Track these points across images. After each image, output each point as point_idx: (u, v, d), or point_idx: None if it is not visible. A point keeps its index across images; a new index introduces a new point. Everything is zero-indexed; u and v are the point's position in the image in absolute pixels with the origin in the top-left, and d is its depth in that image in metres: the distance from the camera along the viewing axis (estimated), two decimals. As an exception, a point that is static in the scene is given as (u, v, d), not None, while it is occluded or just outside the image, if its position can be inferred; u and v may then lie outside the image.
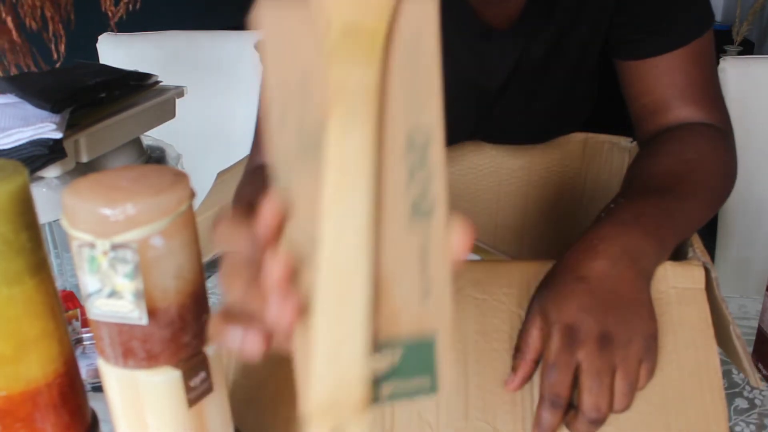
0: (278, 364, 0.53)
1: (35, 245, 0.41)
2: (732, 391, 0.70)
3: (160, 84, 1.10)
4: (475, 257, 0.88)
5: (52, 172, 0.91)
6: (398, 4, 0.30)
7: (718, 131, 0.72)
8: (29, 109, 0.94)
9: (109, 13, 1.57)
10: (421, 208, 0.31)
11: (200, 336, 0.40)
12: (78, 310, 0.82)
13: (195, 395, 0.40)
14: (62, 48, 1.52)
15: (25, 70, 1.50)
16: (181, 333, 0.39)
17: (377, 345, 0.31)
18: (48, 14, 1.46)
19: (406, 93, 0.30)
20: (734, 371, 0.71)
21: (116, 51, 1.54)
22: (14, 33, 1.39)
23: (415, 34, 0.30)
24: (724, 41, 2.83)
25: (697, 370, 0.55)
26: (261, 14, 0.29)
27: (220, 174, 1.03)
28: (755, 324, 0.75)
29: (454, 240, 0.31)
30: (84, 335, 0.79)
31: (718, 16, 3.22)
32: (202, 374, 0.41)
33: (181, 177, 0.38)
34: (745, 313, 0.85)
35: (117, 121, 0.99)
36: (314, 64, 0.29)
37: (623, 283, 0.56)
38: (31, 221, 0.41)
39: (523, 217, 0.92)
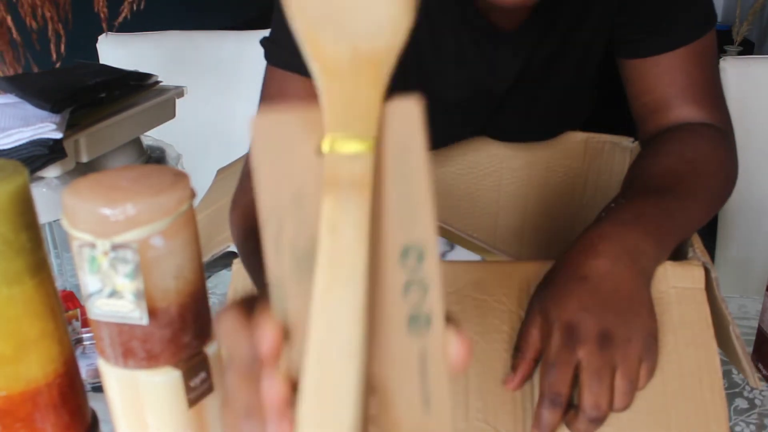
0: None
1: (35, 245, 0.41)
2: (732, 391, 0.70)
3: (160, 84, 1.10)
4: (475, 257, 0.88)
5: (52, 172, 0.91)
6: (383, 118, 0.30)
7: (719, 132, 0.72)
8: (29, 109, 0.94)
9: (102, 14, 1.57)
10: (418, 320, 0.31)
11: (200, 336, 0.40)
12: (78, 310, 0.82)
13: (195, 395, 0.40)
14: (62, 48, 1.52)
15: (25, 70, 1.50)
16: (182, 333, 0.39)
17: None
18: (48, 14, 1.46)
19: (399, 207, 0.30)
20: (734, 371, 0.71)
21: (116, 51, 1.54)
22: (14, 33, 1.39)
23: (402, 148, 0.30)
24: (724, 41, 2.83)
25: (697, 370, 0.55)
26: (254, 126, 0.29)
27: (220, 171, 1.03)
28: (755, 324, 0.75)
29: (452, 351, 0.31)
30: (84, 335, 0.79)
31: (719, 16, 3.22)
32: (202, 374, 0.41)
33: (181, 177, 0.38)
34: (745, 313, 0.85)
35: (117, 121, 0.99)
36: (308, 178, 0.29)
37: (623, 282, 0.56)
38: (31, 221, 0.41)
39: (523, 217, 0.92)
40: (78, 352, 0.78)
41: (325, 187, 0.29)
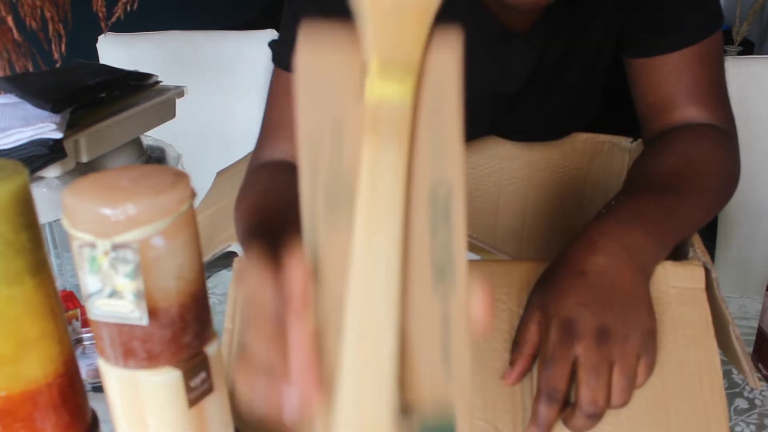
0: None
1: (35, 245, 0.41)
2: (732, 391, 0.70)
3: (160, 84, 1.10)
4: (475, 257, 0.88)
5: (52, 172, 0.91)
6: (428, 45, 0.29)
7: (723, 133, 0.72)
8: (29, 109, 0.94)
9: (100, 14, 1.57)
10: (444, 270, 0.30)
11: (200, 336, 0.40)
12: (78, 310, 0.82)
13: (195, 395, 0.40)
14: (62, 48, 1.52)
15: (25, 70, 1.50)
16: (182, 333, 0.39)
17: (400, 412, 0.31)
18: (48, 14, 1.46)
19: (432, 142, 0.30)
20: (734, 371, 0.71)
21: (116, 51, 1.54)
22: (15, 32, 1.39)
23: (440, 80, 0.30)
24: (724, 41, 2.83)
25: (697, 370, 0.55)
26: (297, 58, 0.29)
27: (220, 173, 1.03)
28: (755, 324, 0.75)
29: (474, 309, 0.31)
30: (84, 335, 0.79)
31: (718, 16, 3.21)
32: (203, 374, 0.41)
33: (181, 177, 0.38)
34: (745, 313, 0.85)
35: (117, 121, 0.99)
36: (349, 111, 0.29)
37: (622, 279, 0.56)
38: (31, 221, 0.41)
39: (523, 218, 0.92)
40: (78, 352, 0.78)
41: (366, 129, 0.29)
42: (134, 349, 0.38)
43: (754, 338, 0.74)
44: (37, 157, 0.87)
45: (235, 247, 0.78)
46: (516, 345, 0.57)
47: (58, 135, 0.88)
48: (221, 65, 1.55)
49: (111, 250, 0.36)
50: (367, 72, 0.29)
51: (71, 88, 0.96)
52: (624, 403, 0.53)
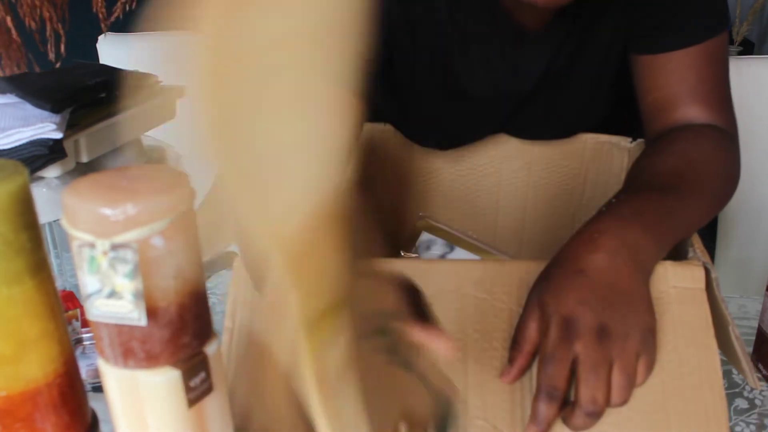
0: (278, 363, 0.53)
1: (35, 245, 0.41)
2: (732, 391, 0.70)
3: (160, 84, 1.10)
4: (475, 258, 0.88)
5: (52, 172, 0.91)
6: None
7: (724, 134, 0.72)
8: (29, 109, 0.93)
9: (100, 15, 1.57)
10: None
11: (200, 336, 0.40)
12: (78, 310, 0.82)
13: (195, 395, 0.40)
14: (61, 48, 1.52)
15: (25, 70, 1.50)
16: (181, 333, 0.39)
17: None
18: (47, 14, 1.46)
19: None
20: (734, 371, 0.71)
21: (116, 51, 1.54)
22: (13, 33, 1.39)
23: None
24: (724, 41, 2.82)
25: (697, 370, 0.55)
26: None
27: (220, 174, 1.03)
28: (755, 324, 0.75)
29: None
30: (84, 335, 0.79)
31: (718, 16, 3.20)
32: (202, 374, 0.41)
33: (181, 177, 0.38)
34: (745, 313, 0.85)
35: (117, 121, 0.99)
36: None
37: (622, 277, 0.56)
38: (31, 221, 0.41)
39: (522, 218, 0.92)
40: (78, 352, 0.78)
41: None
42: (134, 349, 0.38)
43: (754, 338, 0.74)
44: (37, 157, 0.87)
45: (235, 247, 0.78)
46: (515, 343, 0.57)
47: (58, 135, 0.88)
48: (221, 65, 1.55)
49: (110, 250, 0.36)
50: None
51: (71, 88, 0.96)
52: (624, 401, 0.53)
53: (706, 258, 0.60)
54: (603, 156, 0.87)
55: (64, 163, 0.91)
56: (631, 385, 0.53)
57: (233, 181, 0.30)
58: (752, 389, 0.70)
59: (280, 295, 0.31)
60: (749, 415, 0.67)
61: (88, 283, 0.37)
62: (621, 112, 0.84)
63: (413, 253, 0.90)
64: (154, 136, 1.17)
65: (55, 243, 1.03)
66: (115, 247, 0.36)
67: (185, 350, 0.40)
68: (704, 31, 0.72)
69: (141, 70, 1.09)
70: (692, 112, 0.72)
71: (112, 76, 1.03)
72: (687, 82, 0.72)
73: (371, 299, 0.38)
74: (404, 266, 0.62)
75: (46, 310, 0.42)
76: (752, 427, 0.66)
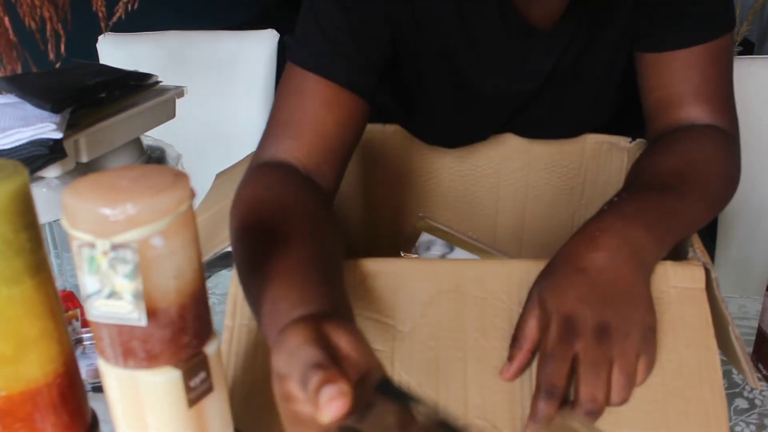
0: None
1: (35, 245, 0.41)
2: (732, 391, 0.70)
3: (160, 84, 1.10)
4: (475, 258, 0.88)
5: (52, 172, 0.91)
6: None
7: (726, 135, 0.72)
8: (29, 109, 0.94)
9: (100, 14, 1.57)
10: None
11: (200, 336, 0.40)
12: (78, 310, 0.82)
13: (195, 395, 0.40)
14: (61, 48, 1.52)
15: (25, 71, 1.50)
16: (181, 333, 0.39)
17: None
18: (47, 14, 1.46)
19: None
20: (734, 371, 0.71)
21: (116, 51, 1.54)
22: (11, 33, 1.39)
23: None
24: (723, 41, 2.81)
25: (697, 370, 0.55)
26: None
27: (219, 175, 1.03)
28: (755, 324, 0.75)
29: None
30: (84, 335, 0.79)
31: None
32: (202, 374, 0.41)
33: (181, 177, 0.38)
34: (745, 313, 0.85)
35: (117, 121, 0.99)
36: None
37: (622, 276, 0.56)
38: (31, 221, 0.41)
39: (522, 218, 0.92)
40: (78, 352, 0.78)
41: None
42: (134, 349, 0.38)
43: (754, 338, 0.74)
44: (37, 157, 0.87)
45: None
46: (515, 341, 0.57)
47: (58, 135, 0.88)
48: (221, 65, 1.55)
49: (110, 250, 0.36)
50: None
51: (71, 88, 0.96)
52: (623, 400, 0.53)
53: (706, 258, 0.60)
54: (603, 156, 0.87)
55: (64, 163, 0.91)
56: (631, 384, 0.53)
57: None
58: (752, 389, 0.70)
59: None
60: (749, 415, 0.67)
61: (88, 283, 0.37)
62: (627, 114, 0.83)
63: (413, 254, 0.90)
64: (154, 136, 1.17)
65: (55, 243, 1.03)
66: (115, 247, 0.36)
67: (185, 350, 0.40)
68: (710, 31, 0.72)
69: (141, 70, 1.09)
70: (695, 111, 0.72)
71: (112, 76, 1.03)
72: (691, 82, 0.73)
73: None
74: (404, 266, 0.62)
75: (46, 310, 0.42)
76: (752, 427, 0.66)
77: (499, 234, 0.93)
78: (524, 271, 0.60)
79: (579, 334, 0.53)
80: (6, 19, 1.38)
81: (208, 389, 0.41)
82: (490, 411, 0.55)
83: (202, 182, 0.77)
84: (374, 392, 0.41)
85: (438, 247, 0.90)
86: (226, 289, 0.65)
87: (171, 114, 1.12)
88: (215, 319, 0.42)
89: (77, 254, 0.37)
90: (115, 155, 1.04)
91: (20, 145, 0.87)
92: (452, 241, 0.90)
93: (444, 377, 0.57)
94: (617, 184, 0.80)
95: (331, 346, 0.43)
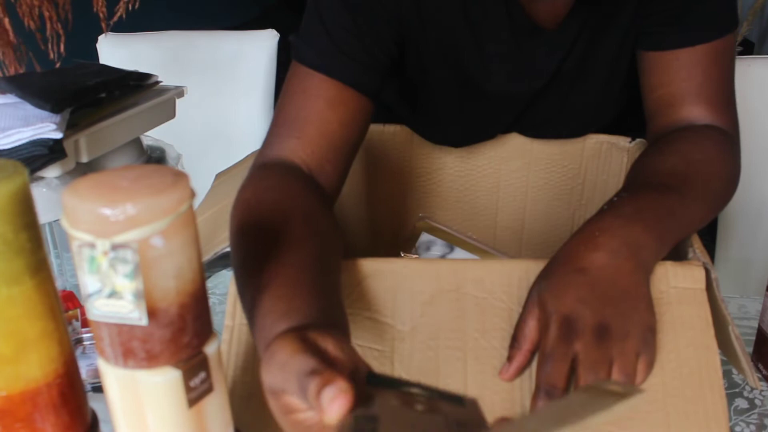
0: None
1: (35, 245, 0.41)
2: (732, 391, 0.70)
3: (160, 84, 1.10)
4: (475, 258, 0.88)
5: (52, 172, 0.91)
6: None
7: (726, 135, 0.72)
8: (29, 109, 0.93)
9: (101, 14, 1.57)
10: None
11: (200, 336, 0.40)
12: (78, 310, 0.82)
13: (195, 395, 0.40)
14: (61, 48, 1.52)
15: (25, 71, 1.50)
16: (182, 333, 0.39)
17: None
18: (47, 14, 1.46)
19: None
20: (734, 371, 0.71)
21: (116, 51, 1.54)
22: (10, 33, 1.39)
23: None
24: (723, 41, 2.81)
25: (697, 370, 0.55)
26: None
27: (219, 175, 1.03)
28: (755, 324, 0.75)
29: None
30: (84, 335, 0.79)
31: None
32: (202, 374, 0.41)
33: (181, 177, 0.38)
34: (745, 313, 0.85)
35: (117, 121, 0.99)
36: None
37: (622, 276, 0.56)
38: (31, 221, 0.41)
39: (522, 218, 0.92)
40: (78, 352, 0.78)
41: None
42: (134, 349, 0.38)
43: (754, 338, 0.74)
44: (37, 157, 0.87)
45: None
46: (514, 341, 0.57)
47: (58, 135, 0.88)
48: (221, 65, 1.55)
49: (110, 250, 0.36)
50: None
51: (71, 88, 0.96)
52: None
53: (706, 258, 0.60)
54: (602, 156, 0.87)
55: (64, 163, 0.91)
56: (630, 384, 0.53)
57: None
58: (752, 389, 0.70)
59: None
60: (749, 415, 0.67)
61: (88, 283, 0.37)
62: (632, 114, 0.83)
63: (413, 254, 0.90)
64: (154, 136, 1.17)
65: (55, 243, 1.03)
66: (115, 247, 0.36)
67: (185, 350, 0.40)
68: (713, 31, 0.72)
69: (141, 70, 1.09)
70: (696, 111, 0.72)
71: (112, 76, 1.03)
72: (693, 81, 0.73)
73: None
74: (404, 266, 0.62)
75: (46, 310, 0.42)
76: (752, 427, 0.66)
77: (499, 234, 0.93)
78: (524, 271, 0.60)
79: (578, 335, 0.53)
80: (6, 20, 1.38)
81: (208, 389, 0.41)
82: (489, 411, 0.55)
83: (202, 182, 0.77)
84: (367, 386, 0.41)
85: (438, 248, 0.90)
86: (226, 289, 0.65)
87: (171, 114, 1.12)
88: (215, 319, 0.42)
89: (77, 254, 0.37)
90: (115, 155, 1.04)
91: (20, 145, 0.87)
92: (452, 242, 0.90)
93: (444, 377, 0.57)
94: (617, 184, 0.80)
95: (320, 351, 0.43)
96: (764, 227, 1.30)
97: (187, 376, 0.40)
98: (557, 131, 0.87)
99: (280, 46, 1.52)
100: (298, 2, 0.76)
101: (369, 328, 0.59)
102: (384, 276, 0.61)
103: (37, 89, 0.96)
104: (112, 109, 1.00)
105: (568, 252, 0.58)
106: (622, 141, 0.86)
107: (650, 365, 0.55)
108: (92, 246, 0.36)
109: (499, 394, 0.56)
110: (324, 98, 0.69)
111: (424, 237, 0.91)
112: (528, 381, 0.56)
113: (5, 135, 0.87)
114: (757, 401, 0.69)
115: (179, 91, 1.11)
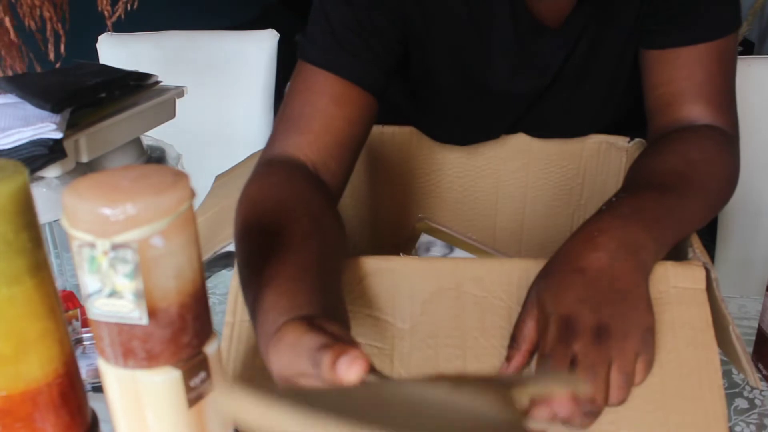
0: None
1: (35, 245, 0.41)
2: (732, 391, 0.70)
3: (160, 84, 1.10)
4: (474, 258, 0.88)
5: (52, 172, 0.91)
6: None
7: (726, 135, 0.72)
8: (29, 109, 0.94)
9: (105, 13, 1.57)
10: None
11: (200, 336, 0.41)
12: (78, 310, 0.82)
13: (195, 395, 0.40)
14: (62, 48, 1.52)
15: (25, 71, 1.50)
16: (182, 333, 0.39)
17: None
18: (47, 14, 1.46)
19: None
20: (734, 371, 0.71)
21: (116, 51, 1.54)
22: (12, 33, 1.39)
23: None
24: (723, 41, 2.81)
25: (697, 370, 0.55)
26: None
27: (219, 177, 1.03)
28: (755, 324, 0.75)
29: None
30: (84, 335, 0.79)
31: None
32: (202, 374, 0.41)
33: (181, 177, 0.38)
34: (745, 313, 0.85)
35: (117, 121, 0.99)
36: None
37: (621, 276, 0.56)
38: (31, 221, 0.41)
39: (521, 219, 0.92)
40: (78, 352, 0.78)
41: None
42: (134, 349, 0.38)
43: (754, 338, 0.74)
44: (37, 157, 0.87)
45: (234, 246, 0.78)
46: (513, 341, 0.57)
47: (58, 135, 0.88)
48: (221, 65, 1.55)
49: (110, 250, 0.36)
50: None
51: (71, 88, 0.96)
52: (622, 400, 0.53)
53: (706, 258, 0.60)
54: (601, 156, 0.87)
55: (64, 163, 0.91)
56: (629, 384, 0.53)
57: None
58: (752, 389, 0.70)
59: None
60: (749, 415, 0.67)
61: (88, 283, 0.37)
62: (635, 114, 0.83)
63: (413, 255, 0.90)
64: (154, 136, 1.17)
65: (55, 243, 1.03)
66: (115, 247, 0.36)
67: (185, 350, 0.40)
68: (715, 30, 0.72)
69: (141, 70, 1.09)
70: (696, 110, 0.72)
71: (112, 76, 1.03)
72: (694, 79, 0.73)
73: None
74: (404, 264, 0.62)
75: (46, 310, 0.42)
76: (752, 427, 0.66)
77: (498, 234, 0.93)
78: (524, 270, 0.60)
79: (577, 335, 0.53)
80: (7, 20, 1.38)
81: (208, 389, 0.41)
82: (489, 411, 0.55)
83: (202, 182, 0.77)
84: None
85: (438, 248, 0.90)
86: (226, 289, 0.65)
87: (171, 114, 1.12)
88: (215, 319, 0.42)
89: (77, 254, 0.37)
90: (115, 155, 1.04)
91: (20, 145, 0.87)
92: (452, 242, 0.90)
93: (444, 376, 0.57)
94: (616, 184, 0.80)
95: (328, 333, 0.43)
96: (764, 227, 1.30)
97: (187, 376, 0.40)
98: (561, 130, 0.87)
99: (280, 46, 1.52)
100: (298, 2, 0.76)
101: (369, 325, 0.59)
102: (384, 274, 0.61)
103: (37, 89, 0.96)
104: (112, 109, 1.00)
105: (567, 252, 0.58)
106: (621, 141, 0.86)
107: (649, 365, 0.55)
108: (92, 246, 0.36)
109: (499, 393, 0.56)
110: (329, 95, 0.69)
111: (424, 238, 0.91)
112: (528, 381, 0.56)
113: (5, 135, 0.87)
114: (757, 401, 0.69)
115: (179, 91, 1.11)
